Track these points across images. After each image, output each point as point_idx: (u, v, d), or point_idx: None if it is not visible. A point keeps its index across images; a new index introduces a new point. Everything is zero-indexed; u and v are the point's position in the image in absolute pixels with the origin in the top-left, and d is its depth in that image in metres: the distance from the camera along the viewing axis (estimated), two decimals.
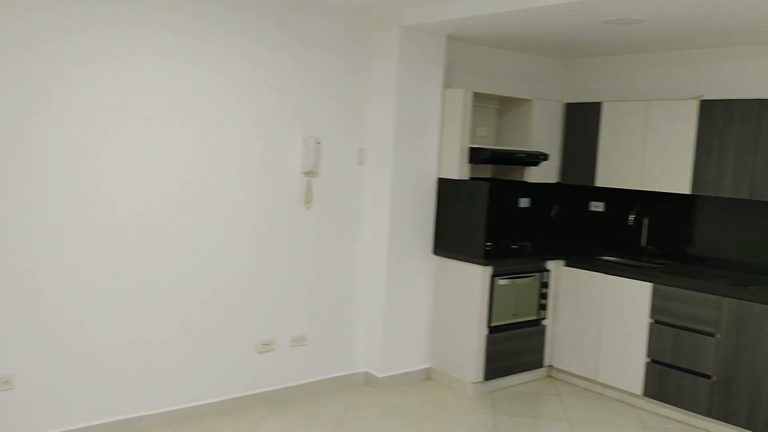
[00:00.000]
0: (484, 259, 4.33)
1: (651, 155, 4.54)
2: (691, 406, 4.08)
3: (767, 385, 3.74)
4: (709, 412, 4.00)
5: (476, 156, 4.48)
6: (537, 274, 4.69)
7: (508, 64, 5.10)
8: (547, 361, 4.84)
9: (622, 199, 5.01)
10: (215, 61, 3.70)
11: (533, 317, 4.71)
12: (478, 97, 4.67)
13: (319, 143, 4.12)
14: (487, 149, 4.49)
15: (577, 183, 4.98)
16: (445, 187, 4.56)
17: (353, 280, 4.48)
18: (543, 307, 4.74)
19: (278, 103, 3.98)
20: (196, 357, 3.81)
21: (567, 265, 4.74)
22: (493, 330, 4.47)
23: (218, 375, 3.91)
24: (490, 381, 4.53)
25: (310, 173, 4.14)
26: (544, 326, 4.78)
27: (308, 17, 4.05)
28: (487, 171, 5.00)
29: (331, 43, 4.17)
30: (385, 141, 4.38)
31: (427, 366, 4.71)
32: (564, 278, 4.76)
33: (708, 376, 4.00)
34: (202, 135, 3.70)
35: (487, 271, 4.38)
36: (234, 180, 3.85)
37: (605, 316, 4.52)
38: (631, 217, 4.87)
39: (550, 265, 4.76)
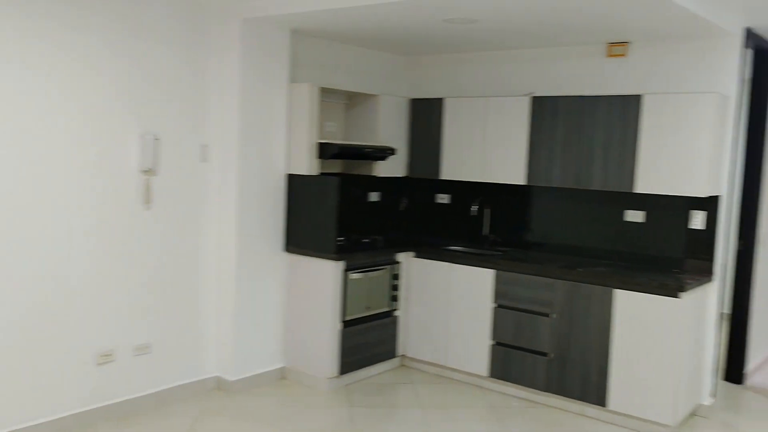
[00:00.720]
0: (336, 254, 4.34)
1: (490, 149, 4.77)
2: (532, 383, 4.36)
3: (596, 359, 4.08)
4: (548, 387, 4.29)
5: (325, 151, 4.47)
6: (388, 267, 4.78)
7: (355, 60, 5.14)
8: (400, 351, 4.96)
9: (465, 191, 5.23)
10: (42, 57, 3.39)
11: (386, 309, 4.79)
12: (325, 92, 4.66)
13: (157, 139, 3.92)
14: (336, 144, 4.50)
15: (424, 176, 5.14)
16: (294, 183, 4.51)
17: (201, 282, 4.31)
18: (395, 298, 4.85)
19: (112, 98, 3.73)
20: (27, 372, 3.48)
21: (416, 256, 4.88)
22: (347, 324, 4.50)
23: (53, 391, 3.60)
24: (346, 375, 4.56)
25: (148, 171, 3.92)
26: (396, 317, 4.89)
27: (142, 8, 3.82)
28: (336, 166, 5.01)
29: (167, 35, 3.97)
30: (230, 137, 4.25)
31: (281, 365, 4.65)
32: (414, 269, 4.89)
33: (545, 354, 4.29)
34: (30, 135, 3.38)
35: (340, 265, 4.39)
36: (65, 181, 3.55)
37: (453, 303, 4.70)
38: (474, 208, 5.11)
39: (401, 257, 4.87)
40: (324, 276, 4.40)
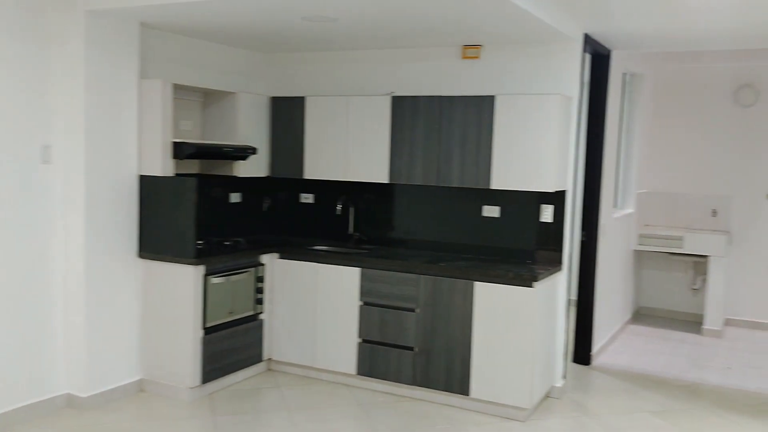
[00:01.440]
0: (195, 258, 4.16)
1: (353, 148, 4.79)
2: (398, 378, 4.43)
3: (459, 350, 4.22)
4: (414, 381, 4.38)
5: (180, 151, 4.27)
6: (252, 269, 4.66)
7: (211, 56, 4.95)
8: (266, 355, 4.85)
9: (329, 190, 5.22)
10: None
11: (250, 313, 4.67)
12: (179, 89, 4.46)
13: None
14: (192, 144, 4.31)
15: (287, 176, 5.06)
16: (147, 184, 4.27)
17: (47, 293, 3.97)
18: (259, 301, 4.73)
19: None
20: None
21: (281, 257, 4.80)
22: (209, 331, 4.33)
23: None
24: (209, 383, 4.39)
25: None
26: (261, 321, 4.78)
27: None
28: (194, 166, 4.81)
29: (2, 24, 3.61)
30: (76, 136, 3.94)
31: (139, 378, 4.39)
32: (279, 271, 4.81)
33: (411, 348, 4.38)
34: None
35: (199, 270, 4.22)
36: None
37: (319, 303, 4.67)
38: (339, 207, 5.11)
39: (265, 258, 4.77)
40: (183, 281, 4.20)
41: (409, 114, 4.59)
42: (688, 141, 6.80)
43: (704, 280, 6.61)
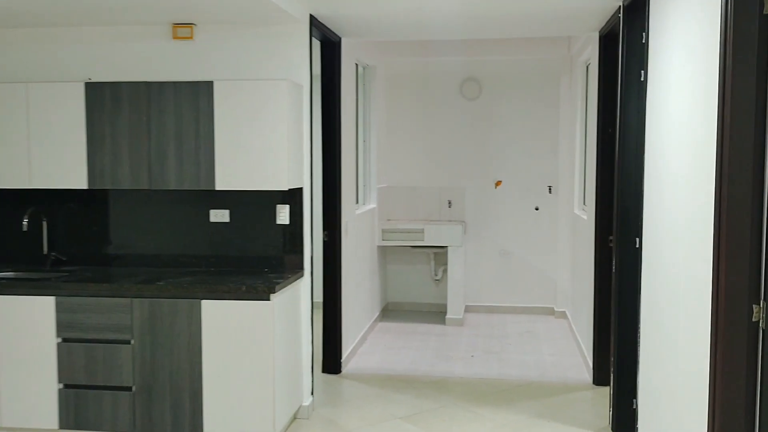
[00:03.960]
0: None
1: (39, 147, 3.84)
2: (114, 426, 3.62)
3: (188, 382, 3.56)
4: (134, 427, 3.61)
5: None
6: None
7: None
8: None
9: (10, 201, 4.16)
10: None
11: None
12: None
13: None
14: None
15: None
16: None
17: None
18: None
19: None
20: None
21: None
22: None
23: None
24: None
25: None
26: None
27: None
28: None
29: None
30: None
31: None
32: None
33: (128, 388, 3.61)
34: None
35: None
36: None
37: (2, 346, 3.66)
38: (25, 222, 4.06)
39: None
40: None
41: (111, 104, 3.79)
42: (422, 134, 6.87)
43: (445, 271, 6.73)
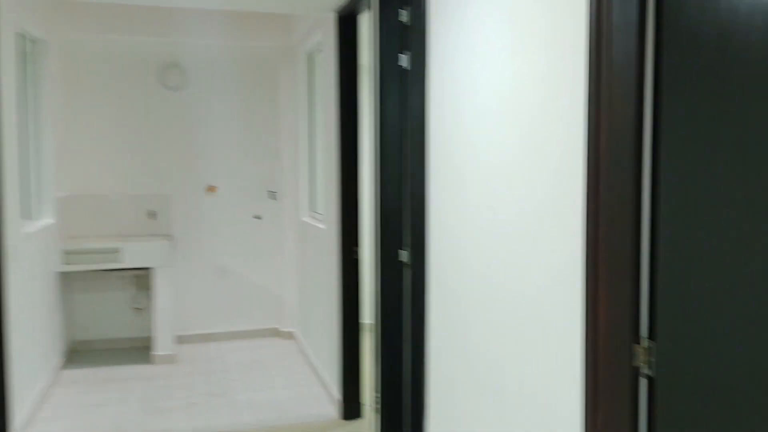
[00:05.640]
0: None
1: None
2: None
3: None
4: None
5: None
6: None
7: None
8: None
9: None
10: None
11: None
12: None
13: None
14: None
15: None
16: None
17: None
18: None
19: None
20: None
21: None
22: None
23: None
24: None
25: None
26: None
27: None
28: None
29: None
30: None
31: None
32: None
33: None
34: None
35: None
36: None
37: None
38: None
39: None
40: None
41: None
42: (114, 130, 5.57)
43: (149, 297, 5.55)
